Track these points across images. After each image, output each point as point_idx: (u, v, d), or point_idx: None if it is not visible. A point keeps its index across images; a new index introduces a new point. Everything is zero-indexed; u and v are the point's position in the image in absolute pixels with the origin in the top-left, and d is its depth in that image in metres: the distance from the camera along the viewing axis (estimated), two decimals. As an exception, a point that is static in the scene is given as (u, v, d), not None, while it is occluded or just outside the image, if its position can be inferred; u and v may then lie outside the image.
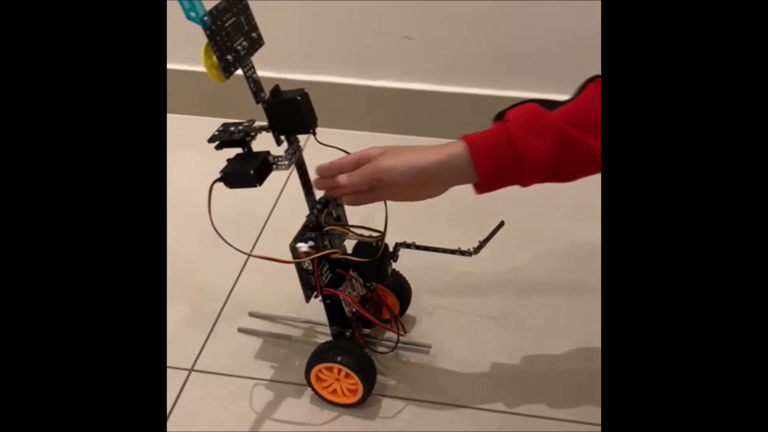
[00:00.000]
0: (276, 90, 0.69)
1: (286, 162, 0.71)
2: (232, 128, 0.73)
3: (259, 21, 0.69)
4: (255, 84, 0.69)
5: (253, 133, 0.72)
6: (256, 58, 0.69)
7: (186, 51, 1.21)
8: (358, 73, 1.21)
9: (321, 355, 0.80)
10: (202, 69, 1.24)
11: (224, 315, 0.94)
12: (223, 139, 0.72)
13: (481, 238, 0.76)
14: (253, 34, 0.68)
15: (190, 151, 1.19)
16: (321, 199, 0.78)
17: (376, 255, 0.75)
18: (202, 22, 0.61)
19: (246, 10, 0.67)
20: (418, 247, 0.80)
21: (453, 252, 0.78)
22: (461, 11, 1.12)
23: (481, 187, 0.69)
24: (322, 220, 0.77)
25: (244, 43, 0.67)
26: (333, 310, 0.80)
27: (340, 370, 0.79)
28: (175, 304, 0.95)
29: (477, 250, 0.76)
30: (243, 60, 0.67)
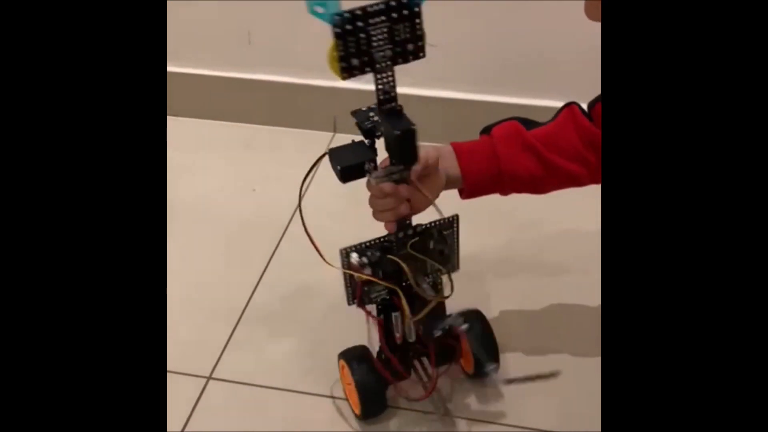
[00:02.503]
0: (399, 111, 0.63)
1: (379, 178, 0.67)
2: (372, 114, 0.69)
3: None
4: (384, 95, 0.63)
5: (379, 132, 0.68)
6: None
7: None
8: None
9: (349, 352, 0.79)
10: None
11: (243, 321, 0.91)
12: (360, 120, 0.69)
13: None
14: (410, 46, 0.61)
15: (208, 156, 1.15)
16: (415, 227, 0.72)
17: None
18: (330, 19, 0.56)
19: (412, 18, 0.60)
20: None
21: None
22: (487, 18, 1.07)
23: (467, 193, 0.76)
24: (407, 248, 0.71)
25: (388, 52, 0.60)
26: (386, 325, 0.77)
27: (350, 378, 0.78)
28: (194, 309, 0.93)
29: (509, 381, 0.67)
30: (378, 67, 0.61)
